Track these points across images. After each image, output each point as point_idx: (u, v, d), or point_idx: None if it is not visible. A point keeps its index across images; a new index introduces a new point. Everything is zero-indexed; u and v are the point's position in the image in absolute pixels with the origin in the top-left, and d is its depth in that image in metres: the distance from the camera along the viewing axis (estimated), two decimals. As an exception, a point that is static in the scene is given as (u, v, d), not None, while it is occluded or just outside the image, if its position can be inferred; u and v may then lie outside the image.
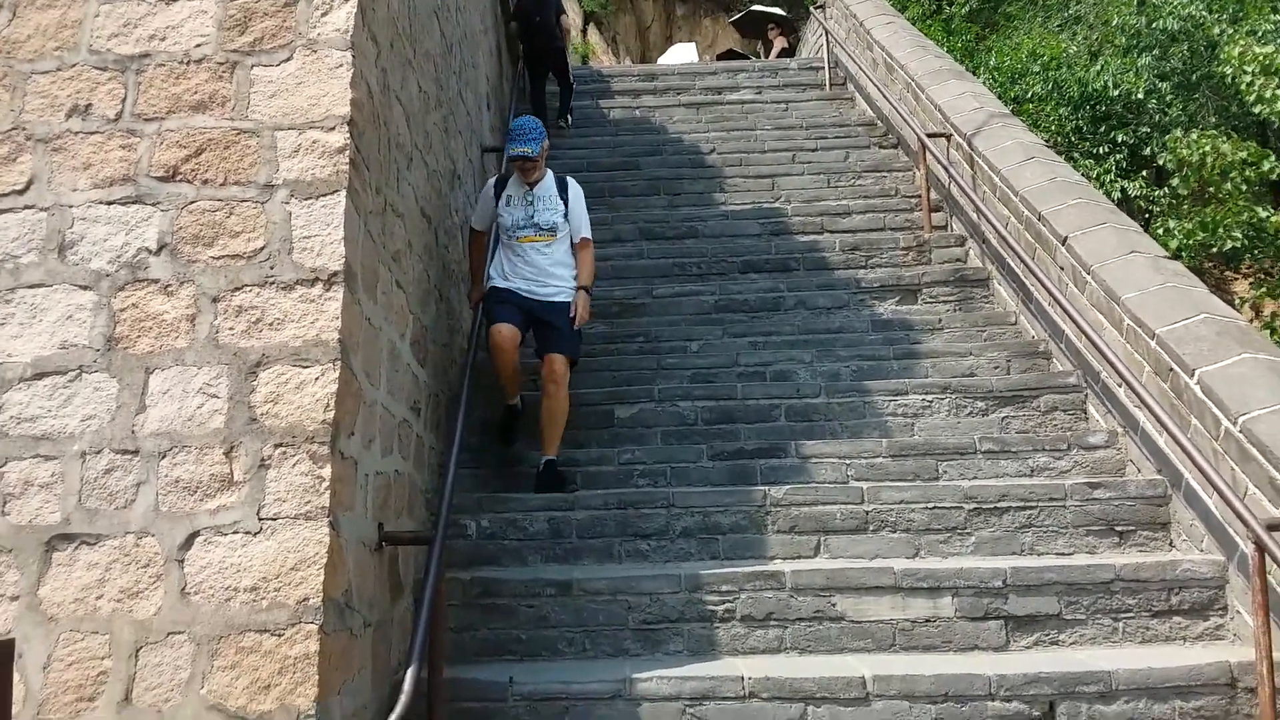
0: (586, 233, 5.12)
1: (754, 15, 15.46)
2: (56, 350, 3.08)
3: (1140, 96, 11.07)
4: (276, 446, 2.96)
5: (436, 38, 5.26)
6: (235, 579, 2.85)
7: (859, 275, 6.67)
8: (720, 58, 15.70)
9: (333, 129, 3.27)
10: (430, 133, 4.90)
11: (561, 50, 9.78)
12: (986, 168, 6.51)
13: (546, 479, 4.80)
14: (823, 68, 10.63)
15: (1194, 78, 11.62)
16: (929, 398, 5.28)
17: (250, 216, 3.19)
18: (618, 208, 7.90)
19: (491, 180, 5.26)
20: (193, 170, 3.25)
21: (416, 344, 4.31)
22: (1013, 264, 5.99)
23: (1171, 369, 4.29)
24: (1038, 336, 5.77)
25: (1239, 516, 3.53)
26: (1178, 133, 10.23)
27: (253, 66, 3.35)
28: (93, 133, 3.31)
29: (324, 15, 3.39)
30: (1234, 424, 3.84)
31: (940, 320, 6.18)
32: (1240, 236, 9.50)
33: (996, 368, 5.59)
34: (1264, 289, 10.17)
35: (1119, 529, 4.33)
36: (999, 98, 9.01)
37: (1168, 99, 11.37)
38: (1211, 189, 10.01)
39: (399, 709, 2.87)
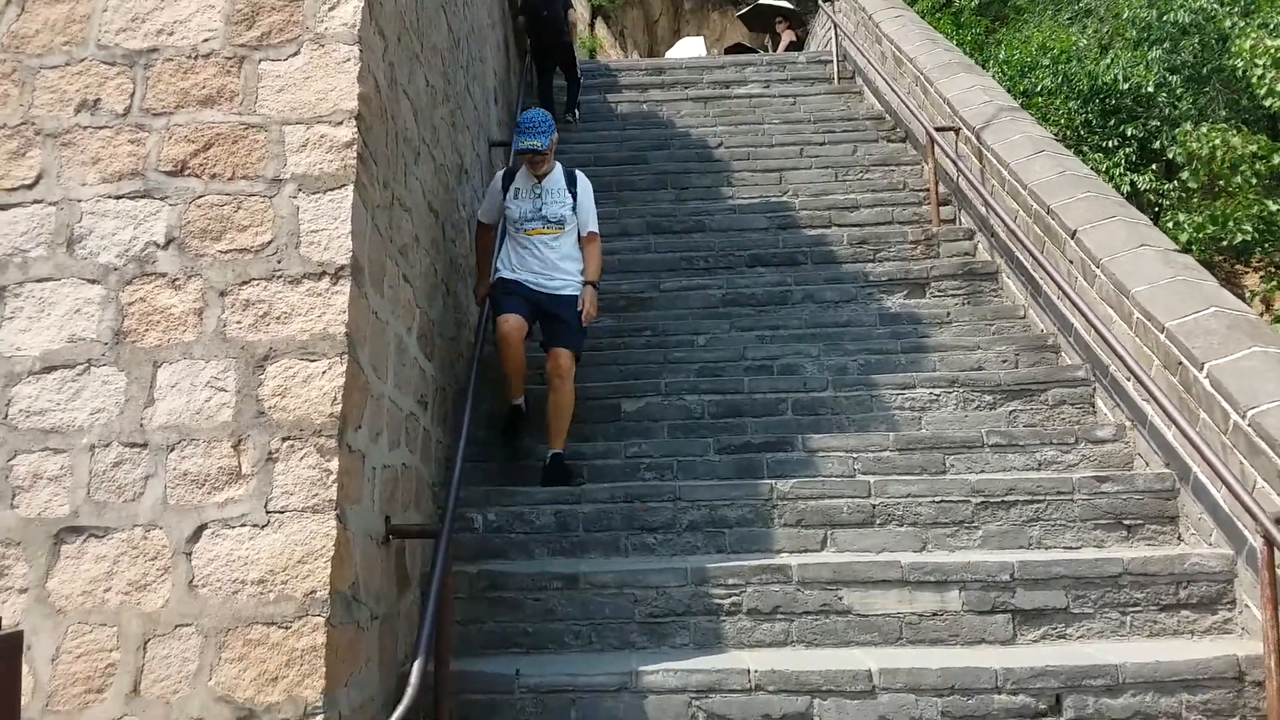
0: (594, 226, 5.12)
1: (762, 9, 15.40)
2: (65, 344, 3.09)
3: (1150, 90, 11.01)
4: (284, 440, 2.97)
5: (444, 32, 5.26)
6: (243, 572, 2.86)
7: (867, 269, 6.66)
8: (728, 51, 15.66)
9: (340, 123, 3.27)
10: (437, 127, 4.90)
11: (569, 45, 9.77)
12: (995, 161, 6.49)
13: (553, 472, 4.81)
14: (831, 61, 10.60)
15: (1205, 71, 11.56)
16: (936, 391, 5.27)
17: (258, 211, 3.20)
18: (625, 202, 7.90)
19: (499, 173, 5.26)
20: (201, 165, 3.26)
21: (423, 338, 4.32)
22: (1021, 258, 5.97)
23: (1180, 362, 4.27)
24: (1046, 330, 5.75)
25: (1247, 510, 3.52)
26: (1188, 126, 10.18)
27: (260, 61, 3.36)
28: (101, 127, 3.32)
29: (331, 9, 3.39)
30: (1243, 418, 3.83)
31: (948, 314, 6.17)
32: (1250, 230, 9.45)
33: (1004, 361, 5.58)
34: (1274, 283, 10.12)
35: (1127, 523, 4.31)
36: (1008, 91, 8.98)
37: (1178, 92, 11.31)
38: (1222, 182, 9.97)
39: (406, 701, 2.88)
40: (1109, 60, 11.46)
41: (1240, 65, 9.62)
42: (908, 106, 8.06)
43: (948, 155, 7.04)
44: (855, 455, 4.84)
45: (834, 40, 10.65)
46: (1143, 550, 4.16)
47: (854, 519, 4.39)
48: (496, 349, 4.99)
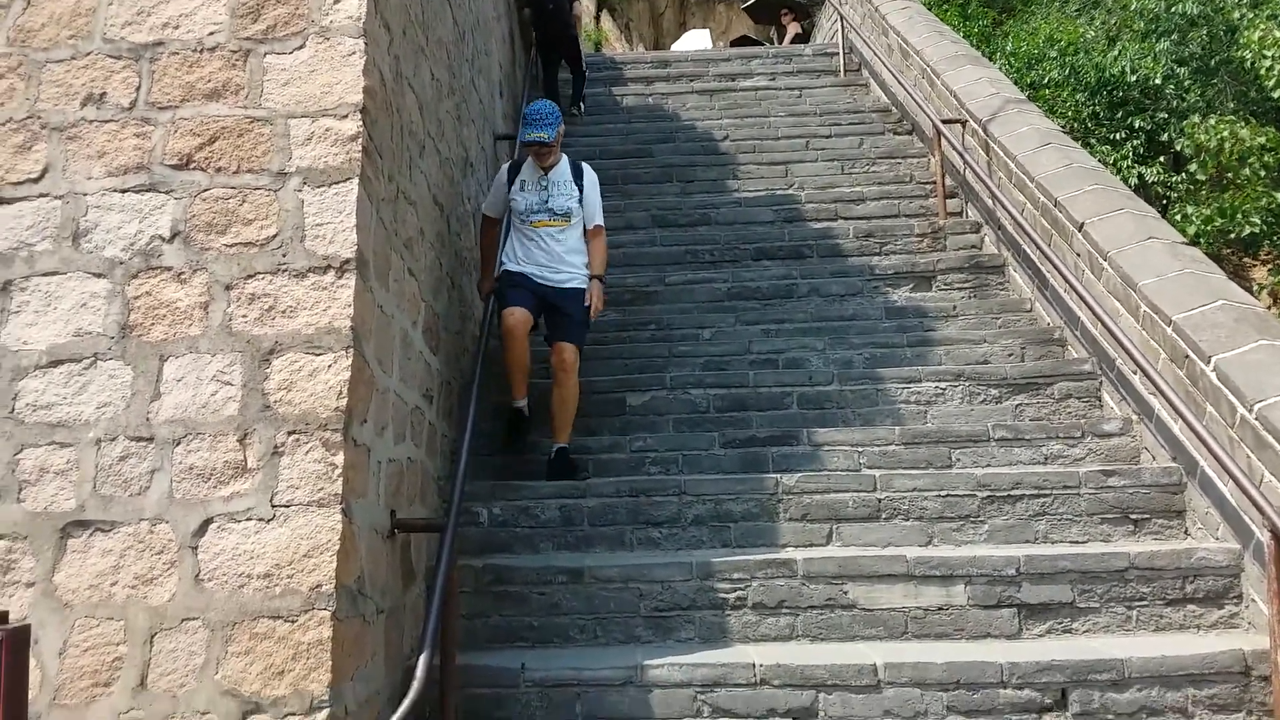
0: (600, 220, 5.11)
1: (767, 1, 15.36)
2: (71, 338, 3.10)
3: (1158, 82, 10.95)
4: (290, 434, 2.97)
5: (449, 25, 5.25)
6: (249, 565, 2.86)
7: (873, 262, 6.65)
8: (734, 44, 15.64)
9: (345, 117, 3.27)
10: (443, 120, 4.89)
11: (575, 37, 9.76)
12: (1002, 154, 6.46)
13: (558, 467, 4.81)
14: (837, 54, 10.57)
15: (1213, 62, 11.49)
16: (942, 385, 5.26)
17: (263, 204, 3.20)
18: (630, 195, 7.89)
19: (505, 166, 5.24)
20: (206, 158, 3.26)
21: (429, 331, 4.32)
22: (1028, 250, 5.95)
23: (1188, 356, 4.26)
24: (1053, 323, 5.74)
25: (1255, 504, 3.51)
26: (1196, 118, 10.12)
27: (265, 54, 3.35)
28: (107, 121, 3.32)
29: (336, 2, 3.38)
30: (1250, 411, 3.81)
31: (955, 307, 6.16)
32: (1259, 222, 9.41)
33: (1011, 355, 5.57)
34: (1283, 275, 10.07)
35: (1133, 517, 4.31)
36: (1015, 83, 8.94)
37: (1186, 84, 11.25)
38: (1230, 174, 9.92)
39: (411, 695, 2.89)
40: (1116, 52, 11.40)
41: (1249, 57, 9.57)
42: (914, 99, 8.03)
43: (954, 148, 7.02)
44: (861, 449, 4.84)
45: (840, 32, 10.61)
46: (1149, 545, 4.16)
47: (859, 513, 4.38)
48: (501, 343, 4.99)
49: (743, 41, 15.62)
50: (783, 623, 3.95)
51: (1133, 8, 12.17)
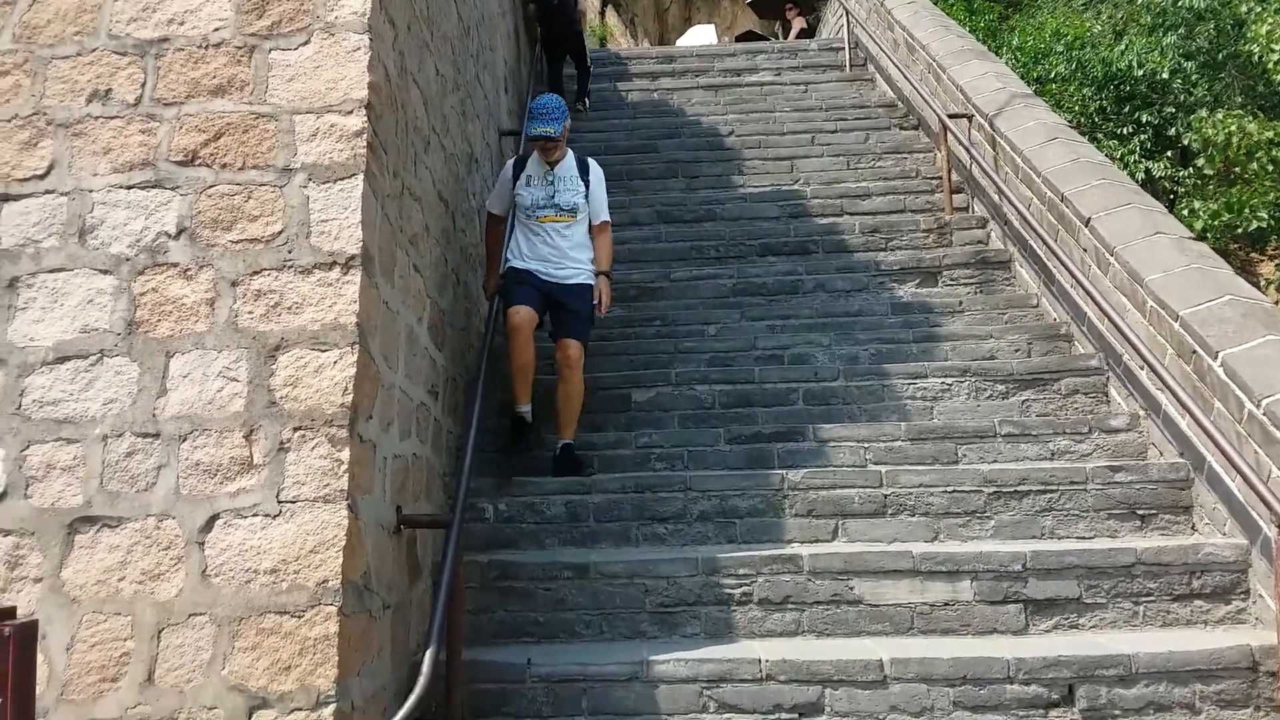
0: (606, 216, 5.09)
1: (772, -4, 15.35)
2: (78, 334, 3.10)
3: (1165, 76, 10.90)
4: (296, 430, 2.97)
5: (454, 20, 5.25)
6: (255, 561, 2.87)
7: (878, 258, 6.63)
8: (739, 39, 15.61)
9: (350, 112, 3.27)
10: (448, 116, 4.89)
11: (579, 33, 9.75)
12: (1009, 149, 6.44)
13: (563, 462, 4.81)
14: (843, 48, 10.55)
15: (1220, 56, 11.43)
16: (948, 381, 5.25)
17: (268, 200, 3.20)
18: (635, 190, 7.88)
19: (510, 162, 5.22)
20: (211, 154, 3.26)
21: (434, 328, 4.32)
22: (1035, 246, 5.94)
23: (1195, 351, 4.24)
24: (1059, 319, 5.72)
25: (1262, 500, 3.50)
26: (1203, 113, 10.08)
27: (270, 50, 3.35)
28: (113, 117, 3.32)
29: (340, -2, 3.38)
30: (1258, 406, 3.80)
31: (960, 303, 6.14)
32: (1266, 217, 9.36)
33: (1017, 350, 5.55)
34: (1290, 271, 10.04)
35: (1140, 512, 4.30)
36: (1022, 78, 8.91)
37: (1193, 78, 11.20)
38: (1237, 169, 9.87)
39: (418, 690, 2.89)
40: (1123, 46, 11.35)
41: (1256, 51, 9.52)
42: (920, 94, 8.01)
43: (961, 143, 7.00)
44: (867, 445, 4.83)
45: (846, 27, 10.59)
46: (1156, 540, 4.15)
47: (865, 509, 4.38)
48: (507, 340, 4.98)
49: (748, 37, 15.60)
50: (788, 618, 3.95)
51: (1139, 2, 12.12)
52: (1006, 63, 9.99)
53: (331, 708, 2.75)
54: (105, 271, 3.16)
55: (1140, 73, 10.99)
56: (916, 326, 5.90)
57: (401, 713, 2.78)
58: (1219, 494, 4.09)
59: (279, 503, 2.92)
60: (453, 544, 3.44)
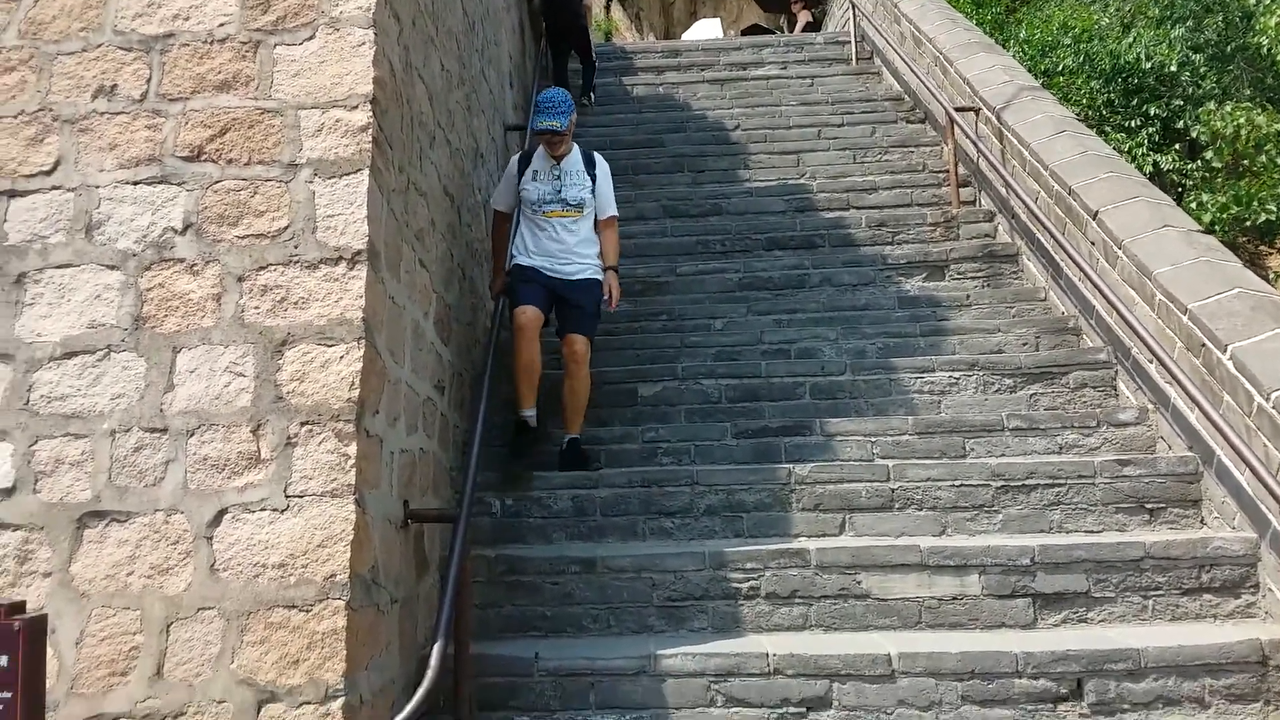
0: (613, 210, 5.08)
1: (778, -10, 15.30)
2: (85, 330, 3.11)
3: (1173, 69, 10.85)
4: (303, 424, 2.98)
5: (459, 15, 5.24)
6: (263, 556, 2.87)
7: (885, 252, 6.61)
8: (745, 33, 15.58)
9: (356, 108, 3.27)
10: (453, 111, 4.89)
11: (584, 27, 9.74)
12: (1016, 142, 6.42)
13: (570, 457, 4.81)
14: (849, 42, 10.51)
15: (1229, 49, 11.38)
16: (956, 375, 5.24)
17: (274, 196, 3.20)
18: (641, 185, 7.87)
19: (515, 157, 5.21)
20: (217, 150, 3.26)
21: (440, 322, 4.32)
22: (1042, 239, 5.92)
23: (1204, 344, 4.23)
24: (1067, 312, 5.70)
25: (1271, 493, 3.49)
26: (1211, 105, 10.04)
27: (275, 45, 3.35)
28: (118, 113, 3.32)
29: (346, -7, 3.38)
30: (1267, 400, 3.78)
31: (968, 297, 6.12)
32: (1275, 210, 9.32)
33: (1025, 344, 5.54)
34: (1299, 264, 9.99)
35: (1149, 506, 4.28)
36: (1029, 71, 8.87)
37: (1201, 71, 11.14)
38: (1246, 162, 9.83)
39: (426, 684, 2.90)
40: (1131, 39, 11.30)
41: (1265, 43, 9.48)
42: (927, 87, 7.98)
43: (968, 136, 6.98)
44: (874, 439, 4.82)
45: (852, 20, 10.55)
46: (1165, 534, 4.13)
47: (873, 503, 4.37)
48: (512, 339, 4.96)
49: (753, 30, 15.57)
50: (796, 612, 3.94)
51: (1147, -7, 12.06)
52: (1014, 55, 9.95)
53: (340, 701, 2.76)
54: (112, 267, 3.16)
55: (1148, 65, 10.94)
56: (924, 320, 5.88)
57: (410, 706, 2.78)
58: (1228, 487, 4.08)
59: (286, 497, 2.92)
60: (460, 538, 3.44)
